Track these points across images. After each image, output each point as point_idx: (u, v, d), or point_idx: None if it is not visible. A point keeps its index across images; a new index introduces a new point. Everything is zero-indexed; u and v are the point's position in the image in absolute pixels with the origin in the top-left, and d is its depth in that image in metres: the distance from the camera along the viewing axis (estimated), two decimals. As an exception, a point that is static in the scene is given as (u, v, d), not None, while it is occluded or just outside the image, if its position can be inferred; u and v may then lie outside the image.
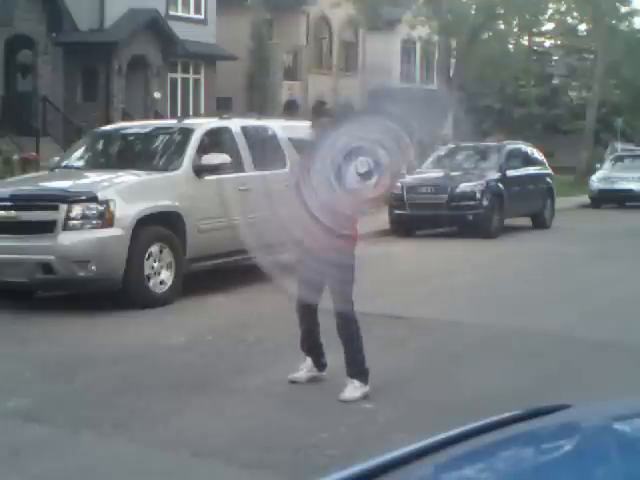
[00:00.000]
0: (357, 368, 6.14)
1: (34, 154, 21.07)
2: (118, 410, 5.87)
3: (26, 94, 25.43)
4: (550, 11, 37.61)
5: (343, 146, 5.82)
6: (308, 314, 6.41)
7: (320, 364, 6.50)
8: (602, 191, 25.55)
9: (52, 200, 9.40)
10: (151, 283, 9.58)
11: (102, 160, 11.55)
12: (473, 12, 31.51)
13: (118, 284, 9.34)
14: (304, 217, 5.99)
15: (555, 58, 51.12)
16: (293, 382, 6.43)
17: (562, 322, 8.78)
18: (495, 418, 1.93)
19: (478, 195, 16.87)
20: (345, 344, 6.21)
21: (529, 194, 18.54)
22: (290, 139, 12.21)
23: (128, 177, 10.10)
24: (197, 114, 28.12)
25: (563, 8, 38.51)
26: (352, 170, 5.75)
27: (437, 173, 17.63)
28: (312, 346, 6.50)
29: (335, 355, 6.58)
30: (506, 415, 1.96)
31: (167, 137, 11.26)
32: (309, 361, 6.50)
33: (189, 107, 30.34)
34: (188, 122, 11.82)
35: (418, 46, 41.73)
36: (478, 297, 10.30)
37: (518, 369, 7.06)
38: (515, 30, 37.25)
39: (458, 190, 16.82)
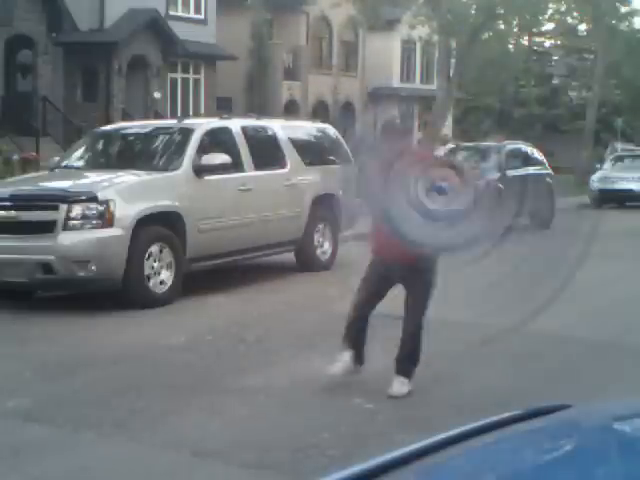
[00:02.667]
0: (408, 366, 6.29)
1: (34, 154, 21.06)
2: (118, 410, 5.87)
3: (26, 94, 25.41)
4: (550, 11, 37.60)
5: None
6: (365, 316, 6.46)
7: (360, 357, 6.49)
8: (602, 191, 25.56)
9: (52, 200, 9.41)
10: (151, 283, 9.58)
11: (102, 160, 11.55)
12: (473, 12, 31.48)
13: (118, 284, 9.35)
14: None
15: (555, 58, 51.15)
16: (331, 375, 6.37)
17: (562, 322, 8.78)
18: (495, 418, 1.93)
19: (478, 195, 16.85)
20: (407, 345, 6.34)
21: (529, 194, 18.53)
22: (290, 139, 12.23)
23: (128, 177, 10.10)
24: (197, 114, 28.10)
25: (563, 8, 38.51)
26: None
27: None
28: (360, 342, 6.49)
29: (332, 356, 6.57)
30: (506, 415, 1.96)
31: (167, 137, 11.26)
32: (348, 354, 6.44)
33: (189, 107, 30.32)
34: (188, 122, 11.83)
35: (418, 46, 41.72)
36: (478, 297, 10.29)
37: (518, 369, 7.06)
38: (515, 30, 37.26)
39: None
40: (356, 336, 6.50)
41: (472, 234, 5.94)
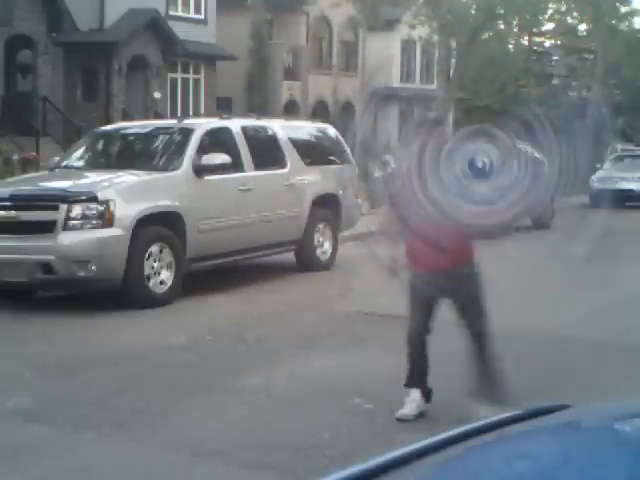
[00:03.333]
0: (484, 387, 5.69)
1: (34, 154, 21.05)
2: (118, 410, 5.87)
3: (26, 94, 25.40)
4: (550, 11, 37.63)
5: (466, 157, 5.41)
6: (424, 343, 5.92)
7: (427, 393, 5.93)
8: (602, 191, 25.56)
9: (52, 200, 9.41)
10: (151, 283, 9.58)
11: (102, 160, 11.55)
12: (473, 12, 31.49)
13: (118, 284, 9.35)
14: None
15: (555, 58, 51.13)
16: (401, 420, 5.71)
17: (562, 322, 8.78)
18: (495, 418, 1.93)
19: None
20: (476, 362, 5.79)
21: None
22: (290, 139, 12.23)
23: (128, 177, 10.10)
24: (197, 114, 28.10)
25: (563, 8, 38.52)
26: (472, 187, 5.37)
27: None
28: (424, 373, 5.94)
29: (332, 356, 6.57)
30: (506, 415, 1.96)
31: (167, 137, 11.26)
32: (417, 392, 5.86)
33: (189, 107, 30.32)
34: (188, 122, 11.83)
35: (418, 46, 41.71)
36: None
37: (518, 369, 7.05)
38: (515, 30, 37.27)
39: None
40: (424, 370, 5.92)
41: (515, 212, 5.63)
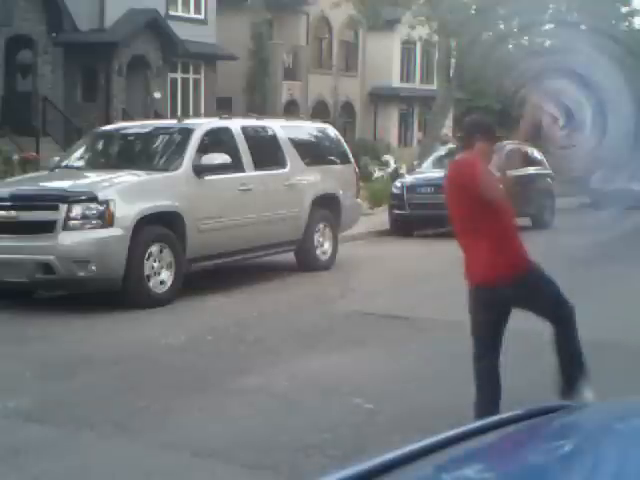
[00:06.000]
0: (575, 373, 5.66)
1: (34, 154, 21.05)
2: (118, 410, 5.87)
3: (26, 94, 25.40)
4: (550, 11, 37.60)
5: None
6: (497, 367, 5.83)
7: None
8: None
9: (52, 200, 9.41)
10: (151, 283, 9.58)
11: (102, 160, 11.55)
12: (473, 12, 31.48)
13: (118, 284, 9.35)
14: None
15: (555, 58, 51.13)
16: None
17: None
18: (495, 418, 1.93)
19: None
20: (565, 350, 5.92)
21: (529, 194, 18.53)
22: (290, 139, 12.23)
23: (128, 177, 10.10)
24: (197, 114, 28.10)
25: (563, 8, 38.51)
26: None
27: (437, 173, 17.63)
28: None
29: (332, 356, 6.55)
30: (506, 415, 1.96)
31: (167, 137, 11.27)
32: None
33: (189, 107, 30.31)
34: (188, 122, 11.83)
35: (418, 46, 41.71)
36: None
37: (518, 369, 7.05)
38: (515, 30, 37.21)
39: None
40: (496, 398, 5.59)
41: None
